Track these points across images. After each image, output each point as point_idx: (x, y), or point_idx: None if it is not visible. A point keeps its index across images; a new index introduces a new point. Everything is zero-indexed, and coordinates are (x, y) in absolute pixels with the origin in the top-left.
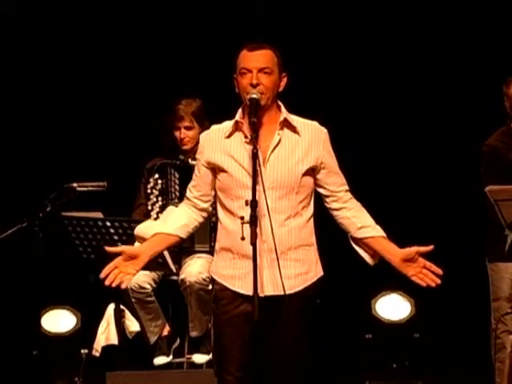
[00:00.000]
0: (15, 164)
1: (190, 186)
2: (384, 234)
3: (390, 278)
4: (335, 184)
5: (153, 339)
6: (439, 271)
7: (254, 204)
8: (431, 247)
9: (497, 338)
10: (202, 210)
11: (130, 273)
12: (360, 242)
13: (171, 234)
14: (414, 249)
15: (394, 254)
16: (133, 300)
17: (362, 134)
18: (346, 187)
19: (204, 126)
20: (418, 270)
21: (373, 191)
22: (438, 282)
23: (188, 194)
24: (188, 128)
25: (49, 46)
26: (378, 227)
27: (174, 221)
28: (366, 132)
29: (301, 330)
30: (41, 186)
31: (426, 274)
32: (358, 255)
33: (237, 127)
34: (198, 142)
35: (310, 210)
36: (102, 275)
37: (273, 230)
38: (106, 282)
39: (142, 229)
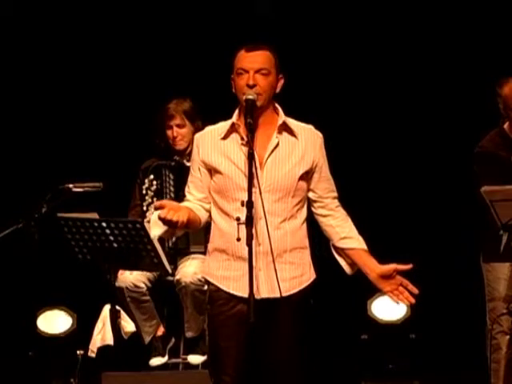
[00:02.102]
0: (11, 165)
1: (190, 189)
2: (365, 247)
3: None
4: (324, 190)
5: (147, 339)
6: (415, 290)
7: (249, 205)
8: (410, 266)
9: (492, 339)
10: (207, 210)
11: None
12: (341, 251)
13: (195, 212)
14: (393, 266)
15: (372, 268)
16: (128, 299)
17: (360, 135)
18: (335, 194)
19: (196, 125)
20: (394, 287)
21: (371, 191)
22: (413, 301)
23: (189, 197)
24: (180, 126)
25: (46, 46)
26: (360, 239)
27: (193, 205)
28: (364, 133)
29: (295, 332)
30: (36, 187)
31: (401, 292)
32: (337, 263)
33: (233, 129)
34: (191, 142)
35: (304, 212)
36: (158, 217)
37: (269, 232)
38: (172, 217)
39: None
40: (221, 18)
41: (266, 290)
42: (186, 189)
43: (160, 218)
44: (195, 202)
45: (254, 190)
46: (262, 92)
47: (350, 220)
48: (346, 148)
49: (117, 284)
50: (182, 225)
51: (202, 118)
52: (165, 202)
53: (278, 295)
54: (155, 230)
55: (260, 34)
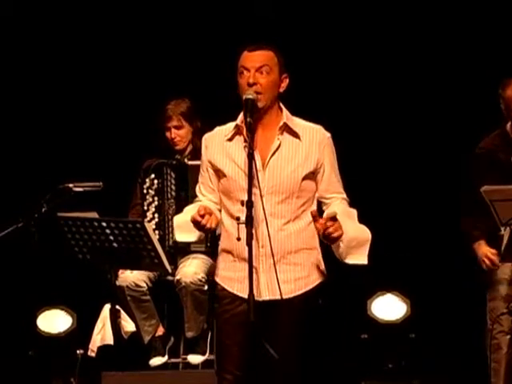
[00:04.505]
0: (11, 164)
1: (201, 190)
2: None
3: (386, 279)
4: (327, 191)
5: (147, 338)
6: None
7: (249, 204)
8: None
9: (492, 339)
10: (219, 210)
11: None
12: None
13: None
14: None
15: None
16: (128, 298)
17: (360, 135)
18: (339, 196)
19: (195, 125)
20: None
21: (372, 191)
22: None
23: (201, 197)
24: (177, 127)
25: (46, 46)
26: (337, 211)
27: (209, 205)
28: (366, 133)
29: (300, 333)
30: (36, 187)
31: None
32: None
33: (237, 131)
34: (190, 141)
35: None
36: (191, 220)
37: (270, 234)
38: (204, 222)
39: (180, 219)
40: (221, 18)
41: (267, 293)
42: (197, 189)
43: (195, 223)
44: (208, 202)
45: (255, 190)
46: (263, 91)
47: (345, 208)
48: (348, 147)
49: (117, 283)
50: (213, 229)
51: (201, 118)
52: (202, 207)
53: (279, 297)
54: (185, 235)
55: (260, 34)
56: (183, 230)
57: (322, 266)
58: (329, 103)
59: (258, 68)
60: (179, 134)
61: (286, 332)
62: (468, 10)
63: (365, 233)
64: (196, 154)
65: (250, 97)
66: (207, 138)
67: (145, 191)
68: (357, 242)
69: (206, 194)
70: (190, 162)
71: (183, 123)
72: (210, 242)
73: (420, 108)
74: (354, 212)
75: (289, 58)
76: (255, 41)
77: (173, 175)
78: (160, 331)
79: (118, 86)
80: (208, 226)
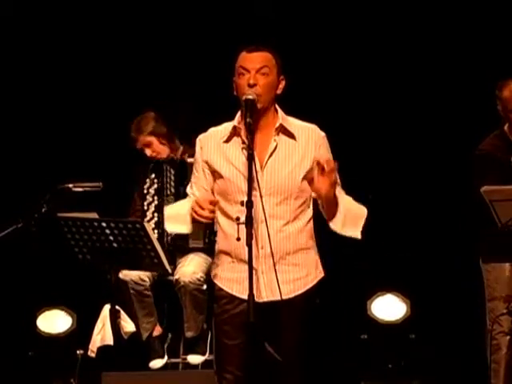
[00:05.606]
0: (11, 164)
1: (193, 190)
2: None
3: (386, 279)
4: None
5: (145, 335)
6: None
7: (249, 204)
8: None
9: (492, 339)
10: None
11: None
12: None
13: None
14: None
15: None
16: (131, 291)
17: (360, 135)
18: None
19: (162, 134)
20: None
21: (372, 191)
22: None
23: (193, 197)
24: (147, 145)
25: (46, 47)
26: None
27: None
28: (365, 133)
29: (301, 333)
30: (36, 187)
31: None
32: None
33: (235, 132)
34: (167, 146)
35: (309, 212)
36: (192, 211)
37: (270, 235)
38: (203, 213)
39: (172, 209)
40: (221, 18)
41: (267, 293)
42: (189, 189)
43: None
44: None
45: (255, 193)
46: (262, 92)
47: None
48: (347, 147)
49: (121, 276)
50: (210, 219)
51: (166, 123)
52: (200, 199)
53: (279, 298)
54: (176, 226)
55: (260, 35)
56: (174, 220)
57: (320, 265)
58: (328, 102)
59: (258, 69)
60: (153, 150)
61: (288, 332)
62: (467, 11)
63: (361, 208)
64: (190, 151)
65: (250, 97)
66: (202, 139)
67: (145, 191)
68: (352, 214)
69: (198, 196)
70: (190, 160)
71: (150, 139)
72: (207, 238)
73: (418, 108)
74: (350, 198)
75: (289, 58)
76: (255, 41)
77: (172, 171)
78: (157, 331)
79: (118, 86)
80: (205, 215)
